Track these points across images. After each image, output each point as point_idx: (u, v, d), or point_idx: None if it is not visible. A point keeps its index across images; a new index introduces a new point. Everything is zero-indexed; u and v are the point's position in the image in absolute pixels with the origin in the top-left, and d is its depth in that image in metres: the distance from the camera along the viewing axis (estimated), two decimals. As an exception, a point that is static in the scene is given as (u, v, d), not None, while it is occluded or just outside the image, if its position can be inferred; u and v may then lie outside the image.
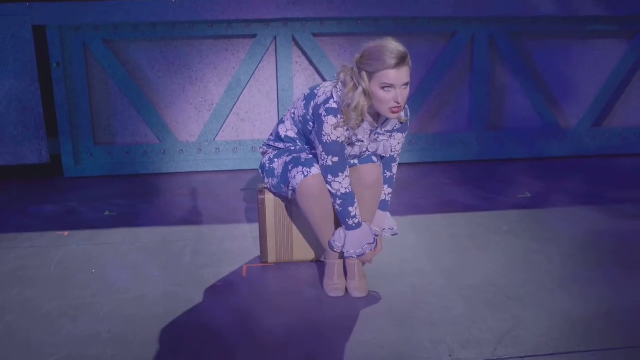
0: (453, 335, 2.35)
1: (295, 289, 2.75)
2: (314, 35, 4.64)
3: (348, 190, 2.56)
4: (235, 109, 4.73)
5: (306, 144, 2.74)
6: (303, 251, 2.98)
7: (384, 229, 2.78)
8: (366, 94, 2.42)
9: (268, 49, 4.62)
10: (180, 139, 4.75)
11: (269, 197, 2.90)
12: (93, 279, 2.86)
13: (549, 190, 4.17)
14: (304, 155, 2.66)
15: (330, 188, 2.56)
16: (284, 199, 2.89)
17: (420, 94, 4.81)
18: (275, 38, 4.59)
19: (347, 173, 2.56)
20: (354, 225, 2.59)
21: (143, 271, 2.94)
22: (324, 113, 2.49)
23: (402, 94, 2.40)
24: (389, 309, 2.56)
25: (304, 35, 4.61)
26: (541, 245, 3.17)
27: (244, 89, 4.68)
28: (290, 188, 2.67)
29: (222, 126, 4.73)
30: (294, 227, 2.94)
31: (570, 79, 5.01)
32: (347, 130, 2.50)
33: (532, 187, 4.21)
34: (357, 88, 2.43)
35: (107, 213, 3.83)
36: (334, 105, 2.48)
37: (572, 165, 4.79)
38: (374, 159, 2.69)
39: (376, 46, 2.41)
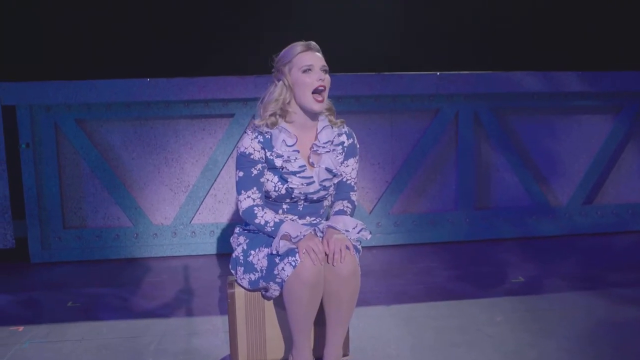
0: None
1: (266, 396, 2.48)
2: (294, 113, 4.51)
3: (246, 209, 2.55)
4: (213, 190, 4.54)
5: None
6: (277, 350, 2.71)
7: (349, 230, 2.47)
8: (287, 87, 2.54)
9: (243, 132, 4.47)
10: (154, 222, 4.53)
11: (240, 291, 2.66)
12: (42, 385, 2.58)
13: (542, 274, 3.94)
14: (282, 244, 2.40)
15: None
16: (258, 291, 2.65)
17: (405, 172, 4.65)
18: (253, 117, 4.45)
19: (252, 195, 2.53)
20: (274, 226, 2.49)
21: (99, 375, 2.66)
22: (245, 131, 2.65)
23: (324, 77, 2.53)
24: (371, 419, 2.29)
25: (284, 113, 4.48)
26: (536, 339, 2.92)
27: (221, 169, 4.50)
28: (276, 281, 2.43)
29: (198, 208, 4.52)
30: (267, 323, 2.68)
31: (558, 156, 4.89)
32: (263, 148, 2.53)
33: (525, 270, 3.99)
34: (277, 85, 2.56)
35: (70, 304, 3.55)
36: (252, 127, 2.60)
37: (565, 245, 4.59)
38: (330, 190, 2.62)
39: (285, 47, 2.60)
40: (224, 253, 4.48)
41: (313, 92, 2.52)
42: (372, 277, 3.86)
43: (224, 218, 4.59)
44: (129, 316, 3.34)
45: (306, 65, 2.51)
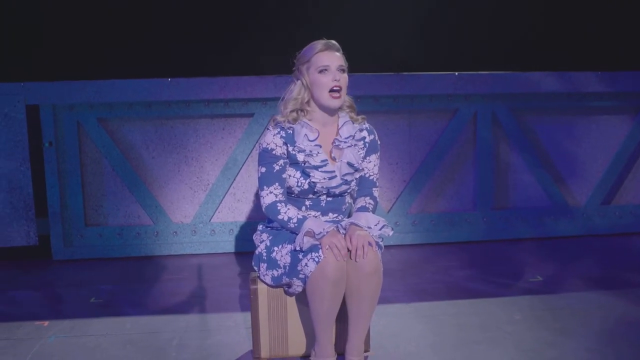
0: None
1: (289, 390, 2.51)
2: (313, 113, 4.54)
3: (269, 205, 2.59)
4: (232, 189, 4.58)
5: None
6: (299, 345, 2.74)
7: (371, 226, 2.52)
8: (305, 87, 2.58)
9: (265, 128, 4.51)
10: (174, 220, 4.58)
11: (262, 287, 2.69)
12: (69, 378, 2.62)
13: (561, 273, 3.94)
14: (305, 241, 2.43)
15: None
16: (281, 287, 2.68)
17: (423, 172, 4.66)
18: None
19: (274, 191, 2.57)
20: (297, 223, 2.52)
21: (124, 369, 2.71)
22: (267, 127, 2.68)
23: (340, 77, 2.55)
24: (393, 414, 2.31)
25: (303, 113, 4.51)
26: (556, 337, 2.93)
27: (240, 168, 4.54)
28: (300, 277, 2.46)
29: (217, 207, 4.56)
30: (290, 319, 2.71)
31: (576, 156, 4.88)
32: (285, 143, 2.57)
33: (543, 269, 3.99)
34: (296, 83, 2.62)
35: (92, 300, 3.61)
36: (273, 122, 2.64)
37: (583, 245, 4.59)
38: (352, 185, 2.65)
39: (306, 46, 2.64)
40: (243, 251, 4.51)
41: (329, 92, 2.56)
42: (391, 276, 3.88)
43: (243, 217, 4.63)
44: (151, 312, 3.39)
45: (323, 65, 2.55)
